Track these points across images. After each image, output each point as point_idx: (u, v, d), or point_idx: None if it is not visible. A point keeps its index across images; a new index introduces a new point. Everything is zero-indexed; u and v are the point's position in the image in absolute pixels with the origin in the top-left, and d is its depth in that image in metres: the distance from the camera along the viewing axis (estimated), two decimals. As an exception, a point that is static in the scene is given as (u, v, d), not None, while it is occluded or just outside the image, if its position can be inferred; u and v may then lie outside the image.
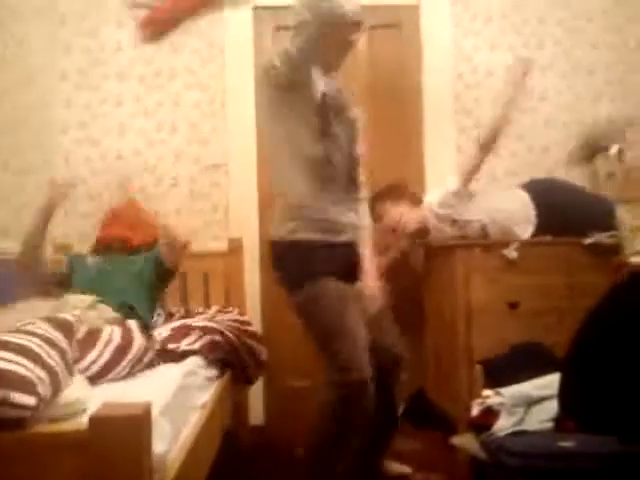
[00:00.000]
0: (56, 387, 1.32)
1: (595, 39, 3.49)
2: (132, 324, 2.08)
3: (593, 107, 3.48)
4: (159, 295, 2.77)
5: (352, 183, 2.34)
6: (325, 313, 2.16)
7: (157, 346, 2.09)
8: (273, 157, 2.30)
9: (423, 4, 3.46)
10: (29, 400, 1.20)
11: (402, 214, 2.98)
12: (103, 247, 2.80)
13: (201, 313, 2.80)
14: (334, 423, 2.10)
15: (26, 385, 1.22)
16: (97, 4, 3.37)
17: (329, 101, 2.23)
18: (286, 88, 2.16)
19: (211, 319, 2.58)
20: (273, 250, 2.28)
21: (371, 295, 2.24)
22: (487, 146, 2.81)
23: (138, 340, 1.96)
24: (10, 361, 1.25)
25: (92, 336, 1.87)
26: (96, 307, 2.28)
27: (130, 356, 1.88)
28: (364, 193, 2.42)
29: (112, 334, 1.92)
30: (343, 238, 2.25)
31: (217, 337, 2.36)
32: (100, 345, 1.84)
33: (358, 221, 2.32)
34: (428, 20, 3.47)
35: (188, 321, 2.45)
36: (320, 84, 2.21)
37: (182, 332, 2.27)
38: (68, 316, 1.61)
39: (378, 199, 2.96)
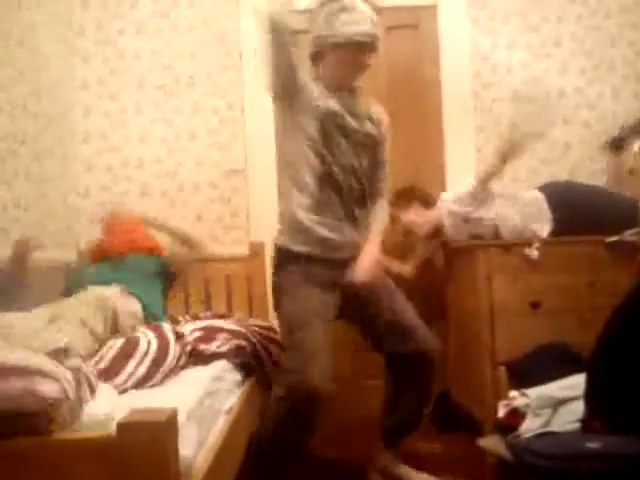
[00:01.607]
0: (80, 392, 1.32)
1: (614, 36, 3.47)
2: (167, 330, 2.09)
3: (613, 104, 3.45)
4: (165, 293, 2.89)
5: (359, 198, 2.35)
6: (290, 304, 2.22)
7: (189, 348, 2.11)
8: (279, 173, 2.40)
9: (440, 4, 3.46)
10: (54, 390, 1.21)
11: (411, 219, 3.04)
12: (101, 258, 2.87)
13: (228, 316, 2.80)
14: (279, 430, 2.12)
15: (50, 376, 1.23)
16: (114, 13, 3.42)
17: (333, 118, 2.25)
18: (285, 105, 2.25)
19: (239, 323, 2.59)
20: (275, 253, 2.38)
21: (363, 267, 2.26)
22: (505, 158, 2.79)
23: (172, 349, 1.98)
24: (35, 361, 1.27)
25: (129, 347, 1.90)
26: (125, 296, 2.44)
27: (165, 367, 1.90)
28: (380, 201, 2.46)
29: (149, 346, 1.94)
30: (340, 255, 2.29)
31: (243, 342, 2.38)
32: (137, 357, 1.86)
33: (359, 237, 2.34)
34: (446, 20, 3.47)
35: (217, 322, 2.48)
36: (323, 101, 2.25)
37: (212, 334, 2.30)
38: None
39: (389, 204, 2.99)
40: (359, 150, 2.33)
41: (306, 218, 2.25)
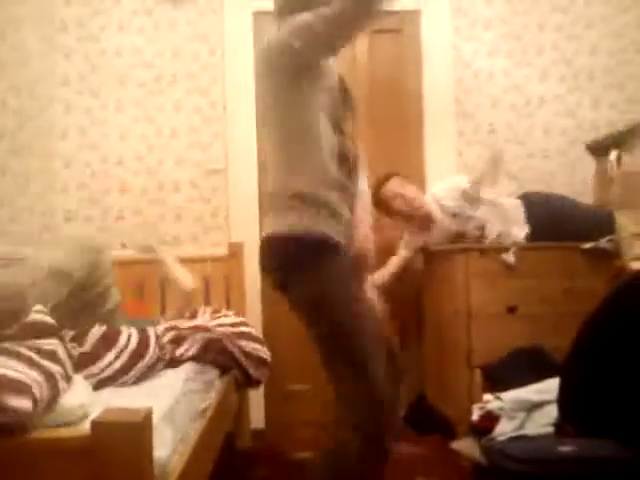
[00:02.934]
0: (55, 390, 1.31)
1: (594, 45, 3.50)
2: (150, 331, 2.09)
3: (592, 113, 3.49)
4: None
5: (354, 177, 1.94)
6: (343, 298, 1.69)
7: (167, 356, 2.09)
8: (285, 149, 1.79)
9: (424, 10, 3.48)
10: (25, 404, 1.18)
11: (416, 193, 3.04)
12: None
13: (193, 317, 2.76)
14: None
15: (21, 388, 1.20)
16: (97, 9, 3.39)
17: (341, 82, 1.91)
18: (304, 70, 1.75)
19: (201, 322, 2.56)
20: (274, 244, 1.76)
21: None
22: (495, 164, 2.87)
23: (152, 348, 1.97)
24: (1, 366, 1.25)
25: (110, 338, 1.90)
26: None
27: (143, 363, 1.90)
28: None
29: (130, 339, 1.95)
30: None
31: (208, 335, 2.33)
32: (117, 348, 1.87)
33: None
34: (429, 25, 3.48)
35: (181, 323, 2.39)
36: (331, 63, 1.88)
37: (177, 337, 2.23)
38: (48, 319, 1.59)
39: (389, 177, 3.03)
40: (349, 125, 1.91)
41: (333, 200, 1.76)
